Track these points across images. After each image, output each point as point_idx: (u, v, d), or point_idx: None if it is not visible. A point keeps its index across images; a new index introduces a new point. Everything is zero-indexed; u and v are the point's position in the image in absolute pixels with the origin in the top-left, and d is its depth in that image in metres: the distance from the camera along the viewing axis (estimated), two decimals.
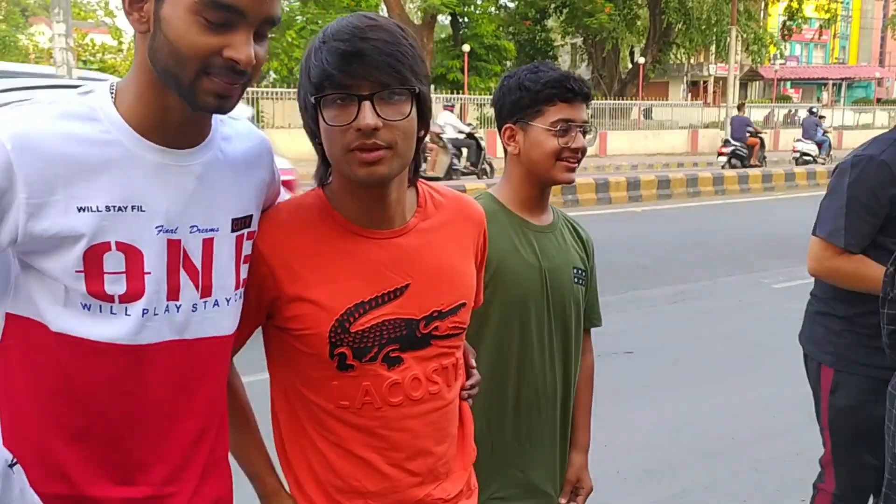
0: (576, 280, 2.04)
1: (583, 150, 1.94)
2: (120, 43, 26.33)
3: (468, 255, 1.57)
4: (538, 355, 1.98)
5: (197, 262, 1.34)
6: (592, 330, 2.18)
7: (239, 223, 1.40)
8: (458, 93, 26.86)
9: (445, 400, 1.53)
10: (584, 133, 1.94)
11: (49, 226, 1.21)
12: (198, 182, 1.33)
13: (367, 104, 1.31)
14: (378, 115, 1.31)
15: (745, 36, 33.30)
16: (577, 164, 1.95)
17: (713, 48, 35.80)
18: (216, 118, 1.38)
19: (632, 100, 31.22)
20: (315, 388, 1.47)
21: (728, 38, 28.65)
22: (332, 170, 1.46)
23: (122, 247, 1.26)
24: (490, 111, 26.63)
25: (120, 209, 1.25)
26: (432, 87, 28.94)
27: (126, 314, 1.27)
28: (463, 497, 1.61)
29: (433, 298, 1.48)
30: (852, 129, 35.59)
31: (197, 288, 1.34)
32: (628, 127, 29.23)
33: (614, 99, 30.41)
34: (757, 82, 50.10)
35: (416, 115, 1.37)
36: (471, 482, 1.65)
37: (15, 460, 1.18)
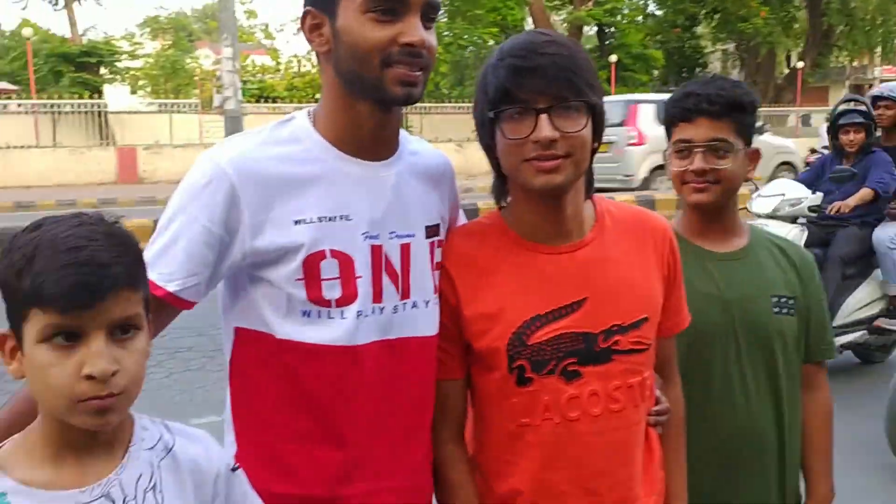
0: (777, 309, 1.82)
1: (706, 171, 1.75)
2: (277, 63, 27.59)
3: (651, 269, 1.54)
4: (732, 396, 1.80)
5: (397, 266, 1.44)
6: None
7: (431, 230, 1.50)
8: None
9: (629, 420, 1.49)
10: (718, 152, 1.74)
11: (271, 240, 1.35)
12: (393, 191, 1.45)
13: (544, 117, 1.35)
14: (555, 128, 1.35)
15: None
16: (704, 185, 1.77)
17: (879, 49, 33.78)
18: (403, 137, 1.48)
19: (788, 106, 29.89)
20: (497, 408, 1.49)
21: (895, 39, 26.97)
22: (508, 187, 1.49)
23: (335, 254, 1.38)
24: None
25: (330, 219, 1.38)
26: None
27: (342, 317, 1.38)
28: None
29: (612, 312, 1.47)
30: None
31: (398, 290, 1.44)
32: (785, 134, 27.92)
33: (769, 106, 29.21)
34: None
35: (591, 127, 1.40)
36: None
37: (237, 465, 1.27)
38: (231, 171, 1.33)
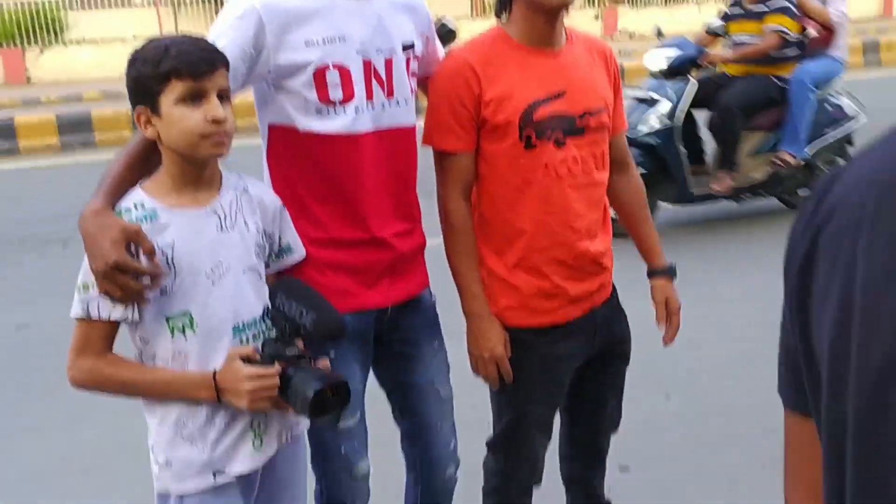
0: None
1: None
2: None
3: (603, 76, 2.11)
4: None
5: (382, 74, 1.92)
6: None
7: (407, 48, 1.97)
8: None
9: (594, 179, 2.07)
10: None
11: (288, 56, 1.82)
12: (377, 19, 1.92)
13: None
14: None
15: None
16: None
17: None
18: None
19: None
20: (507, 167, 1.99)
21: None
22: (511, 7, 1.99)
23: (336, 66, 1.85)
24: None
25: (331, 40, 1.84)
26: None
27: (344, 113, 1.87)
28: (607, 256, 2.16)
29: (585, 101, 2.02)
30: None
31: (384, 91, 1.92)
32: None
33: None
34: None
35: None
36: (610, 252, 2.18)
37: (284, 207, 1.88)
38: (259, 7, 1.79)
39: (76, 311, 1.64)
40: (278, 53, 1.81)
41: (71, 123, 10.37)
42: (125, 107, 10.97)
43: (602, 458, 2.43)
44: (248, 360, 1.67)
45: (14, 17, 18.23)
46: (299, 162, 1.92)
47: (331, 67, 1.84)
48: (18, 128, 10.30)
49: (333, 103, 1.86)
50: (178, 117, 1.60)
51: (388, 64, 1.93)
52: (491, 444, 2.27)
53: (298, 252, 1.91)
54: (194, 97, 1.60)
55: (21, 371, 4.24)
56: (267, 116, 1.94)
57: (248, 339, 1.74)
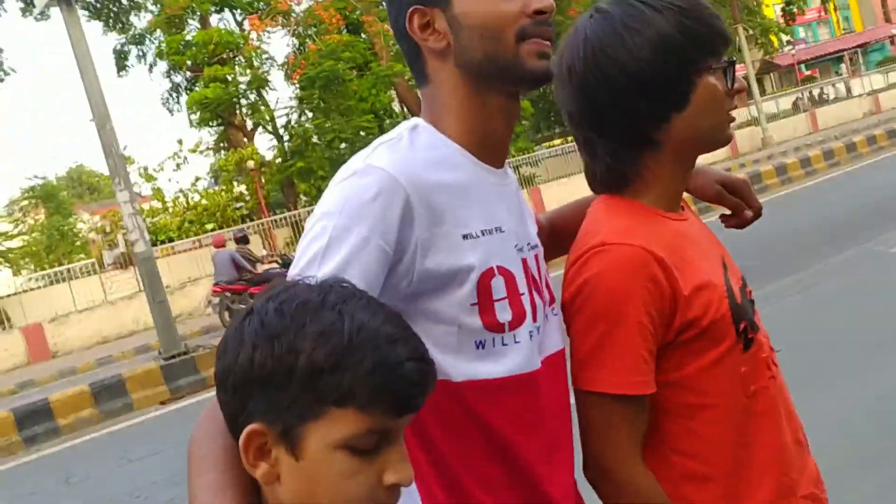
0: None
1: None
2: (164, 203, 27.14)
3: None
4: None
5: (537, 275, 1.33)
6: None
7: (536, 238, 1.41)
8: None
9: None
10: None
11: (442, 259, 1.19)
12: (518, 200, 1.35)
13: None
14: None
15: (751, 31, 33.32)
16: None
17: None
18: None
19: None
20: (724, 390, 1.35)
21: (737, 38, 28.51)
22: (640, 171, 1.42)
23: (501, 270, 1.24)
24: None
25: (489, 232, 1.25)
26: None
27: (516, 342, 1.24)
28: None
29: (737, 267, 1.48)
30: (887, 90, 35.61)
31: (544, 303, 1.32)
32: None
33: None
34: (771, 73, 49.58)
35: None
36: None
37: None
38: (403, 181, 1.17)
39: None
40: (428, 254, 1.18)
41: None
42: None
43: None
44: None
45: None
46: (455, 433, 1.22)
47: (496, 272, 1.23)
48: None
49: (501, 329, 1.23)
50: (338, 473, 0.92)
51: (538, 263, 1.35)
52: None
53: None
54: (372, 444, 0.93)
55: None
56: None
57: None
